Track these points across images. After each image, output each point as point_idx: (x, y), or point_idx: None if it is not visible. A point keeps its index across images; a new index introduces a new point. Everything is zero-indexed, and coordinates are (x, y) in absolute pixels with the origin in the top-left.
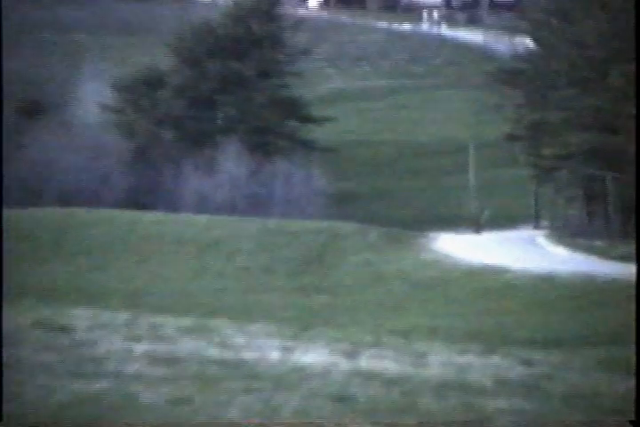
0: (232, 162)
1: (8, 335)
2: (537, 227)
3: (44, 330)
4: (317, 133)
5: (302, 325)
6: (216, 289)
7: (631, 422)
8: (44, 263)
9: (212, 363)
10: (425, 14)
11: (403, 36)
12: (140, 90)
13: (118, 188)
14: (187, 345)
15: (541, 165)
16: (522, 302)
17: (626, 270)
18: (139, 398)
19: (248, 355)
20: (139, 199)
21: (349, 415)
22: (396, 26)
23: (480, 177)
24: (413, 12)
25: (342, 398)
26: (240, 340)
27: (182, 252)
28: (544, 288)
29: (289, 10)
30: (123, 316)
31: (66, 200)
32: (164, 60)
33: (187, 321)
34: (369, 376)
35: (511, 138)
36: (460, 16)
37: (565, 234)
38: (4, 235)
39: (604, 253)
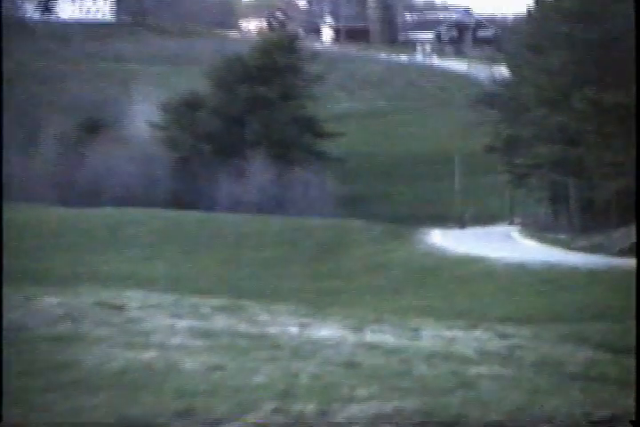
0: (258, 170)
1: (73, 313)
2: (511, 223)
3: (102, 309)
4: (329, 146)
5: (317, 305)
6: (245, 275)
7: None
8: (102, 254)
9: (241, 336)
10: (419, 47)
11: (400, 65)
12: (183, 111)
13: (164, 191)
14: (220, 321)
15: (515, 173)
16: (499, 286)
17: (585, 260)
18: (181, 365)
19: (271, 329)
20: (181, 201)
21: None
22: (394, 57)
23: (464, 182)
24: (409, 46)
25: (350, 365)
26: (265, 317)
27: (218, 244)
28: (517, 274)
29: (306, 44)
30: (168, 297)
31: (120, 201)
32: (202, 86)
33: (221, 301)
34: (372, 347)
35: (490, 150)
36: (449, 49)
37: (535, 229)
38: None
39: (566, 245)
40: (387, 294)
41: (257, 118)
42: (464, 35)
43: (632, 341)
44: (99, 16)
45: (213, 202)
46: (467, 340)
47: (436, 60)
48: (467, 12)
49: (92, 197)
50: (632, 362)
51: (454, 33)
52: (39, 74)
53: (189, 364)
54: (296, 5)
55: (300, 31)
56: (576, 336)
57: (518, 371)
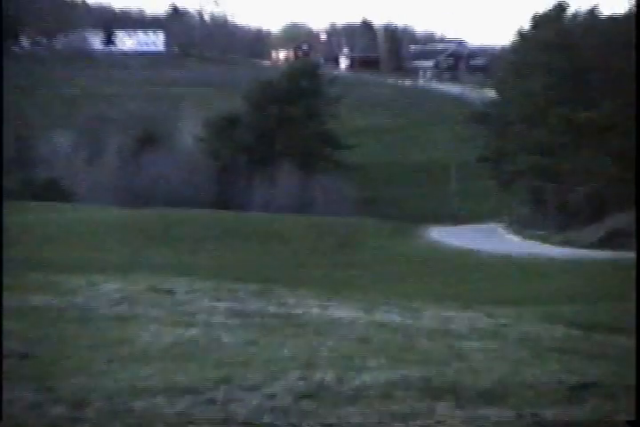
0: (286, 177)
1: (129, 296)
2: (498, 221)
3: (154, 293)
4: (346, 156)
5: (335, 290)
6: (276, 265)
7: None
8: (154, 248)
9: (271, 316)
10: (421, 74)
11: (405, 89)
12: (222, 126)
13: (207, 194)
14: (254, 304)
15: (502, 179)
16: (487, 274)
17: (560, 252)
18: (221, 340)
19: (296, 310)
20: (221, 202)
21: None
22: (400, 82)
23: (459, 187)
24: (412, 73)
25: (362, 341)
26: (291, 300)
27: (252, 239)
28: (503, 264)
29: (326, 70)
30: (209, 283)
31: (170, 203)
32: (239, 106)
33: (254, 287)
34: (381, 325)
35: (481, 159)
36: (446, 75)
37: (518, 226)
38: (127, 227)
39: (545, 240)
40: (394, 281)
41: (285, 133)
42: (459, 63)
43: (599, 319)
44: (152, 48)
45: (248, 203)
46: (460, 319)
47: (435, 85)
48: (461, 43)
49: (146, 199)
50: (600, 337)
51: (451, 61)
52: (103, 96)
53: (227, 339)
54: (318, 38)
55: (321, 60)
56: (552, 316)
57: (504, 345)
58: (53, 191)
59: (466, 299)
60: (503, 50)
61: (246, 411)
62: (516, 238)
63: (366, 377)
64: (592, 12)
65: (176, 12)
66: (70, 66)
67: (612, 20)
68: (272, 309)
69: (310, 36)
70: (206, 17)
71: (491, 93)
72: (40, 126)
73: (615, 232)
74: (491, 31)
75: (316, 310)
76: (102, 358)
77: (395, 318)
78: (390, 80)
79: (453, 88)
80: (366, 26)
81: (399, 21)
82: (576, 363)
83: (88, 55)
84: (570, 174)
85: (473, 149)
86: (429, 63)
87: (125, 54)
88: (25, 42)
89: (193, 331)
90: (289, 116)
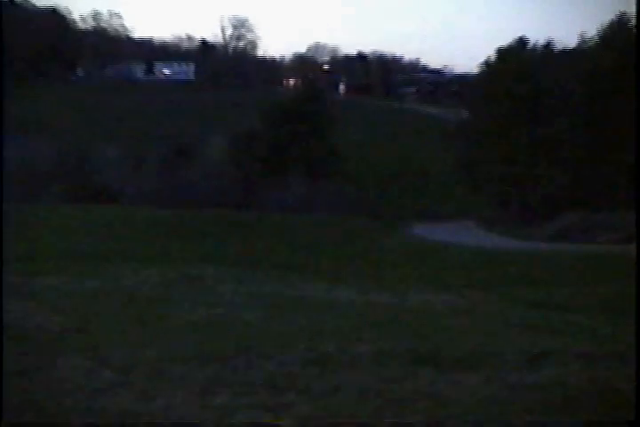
0: (297, 182)
1: (165, 281)
2: (470, 220)
3: (186, 278)
4: (346, 165)
5: (337, 275)
6: (289, 255)
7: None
8: (186, 241)
9: (285, 297)
10: (406, 98)
11: (394, 110)
12: (243, 140)
13: (231, 197)
14: (271, 287)
15: (474, 184)
16: (463, 263)
17: (523, 244)
18: (243, 317)
19: (307, 293)
20: (243, 204)
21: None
22: (389, 104)
23: (439, 191)
24: (399, 97)
25: (360, 315)
26: (302, 284)
27: (267, 234)
28: (474, 254)
29: (328, 95)
30: (232, 270)
31: (199, 204)
32: (257, 124)
33: (269, 273)
34: (374, 304)
35: (457, 168)
36: (427, 99)
37: (488, 224)
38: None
39: (510, 235)
40: (384, 269)
41: (296, 146)
42: (438, 88)
43: (556, 300)
44: (184, 76)
45: (265, 205)
46: (439, 300)
47: (418, 107)
48: (440, 72)
49: (181, 201)
50: (556, 316)
51: (431, 87)
52: (144, 115)
53: (247, 316)
54: (322, 68)
55: (324, 86)
56: (514, 297)
57: (475, 321)
58: (106, 194)
59: (443, 283)
60: (476, 77)
61: (263, 376)
62: (485, 234)
63: (362, 348)
64: (547, 46)
65: (205, 46)
66: (117, 91)
67: (565, 52)
68: (286, 291)
69: (315, 66)
70: (230, 50)
71: (464, 114)
72: (94, 141)
73: (567, 228)
74: (467, 59)
75: (321, 293)
76: (146, 331)
77: (385, 298)
78: (381, 103)
79: (434, 109)
80: (361, 57)
81: (388, 50)
82: (536, 337)
83: (132, 82)
84: (530, 180)
85: (450, 159)
86: (413, 89)
87: (162, 81)
88: (80, 72)
89: (219, 310)
90: (299, 132)
